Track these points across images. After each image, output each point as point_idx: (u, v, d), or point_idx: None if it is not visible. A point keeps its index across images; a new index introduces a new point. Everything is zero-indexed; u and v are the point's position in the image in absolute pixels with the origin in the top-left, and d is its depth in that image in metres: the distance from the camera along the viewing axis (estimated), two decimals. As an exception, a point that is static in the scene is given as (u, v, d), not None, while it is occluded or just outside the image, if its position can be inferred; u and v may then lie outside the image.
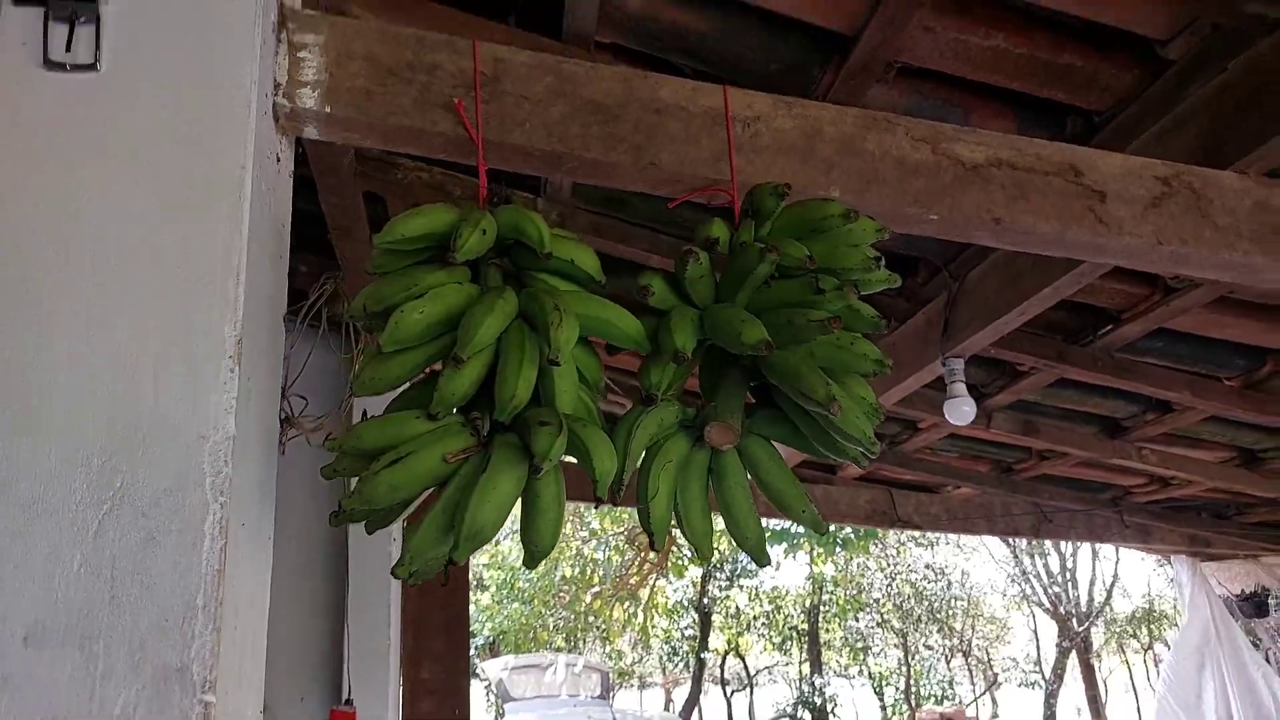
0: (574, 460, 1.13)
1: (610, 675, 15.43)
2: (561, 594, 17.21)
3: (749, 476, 1.24)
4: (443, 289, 1.13)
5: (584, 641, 17.93)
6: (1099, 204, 1.63)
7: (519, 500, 1.08)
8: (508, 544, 18.34)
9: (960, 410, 2.79)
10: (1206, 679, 5.38)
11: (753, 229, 1.35)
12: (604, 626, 17.90)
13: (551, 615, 17.60)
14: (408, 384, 1.21)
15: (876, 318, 1.24)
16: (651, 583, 17.06)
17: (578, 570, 16.98)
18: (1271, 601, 5.21)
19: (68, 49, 1.17)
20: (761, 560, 1.24)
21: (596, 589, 16.90)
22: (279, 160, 1.36)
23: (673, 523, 1.23)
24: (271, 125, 1.31)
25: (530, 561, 1.07)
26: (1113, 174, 1.66)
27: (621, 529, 16.35)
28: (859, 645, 18.84)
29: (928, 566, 18.46)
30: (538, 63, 1.47)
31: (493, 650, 18.03)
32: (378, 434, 1.07)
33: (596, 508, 1.08)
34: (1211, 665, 5.31)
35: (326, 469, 1.12)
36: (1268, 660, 5.06)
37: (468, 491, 1.02)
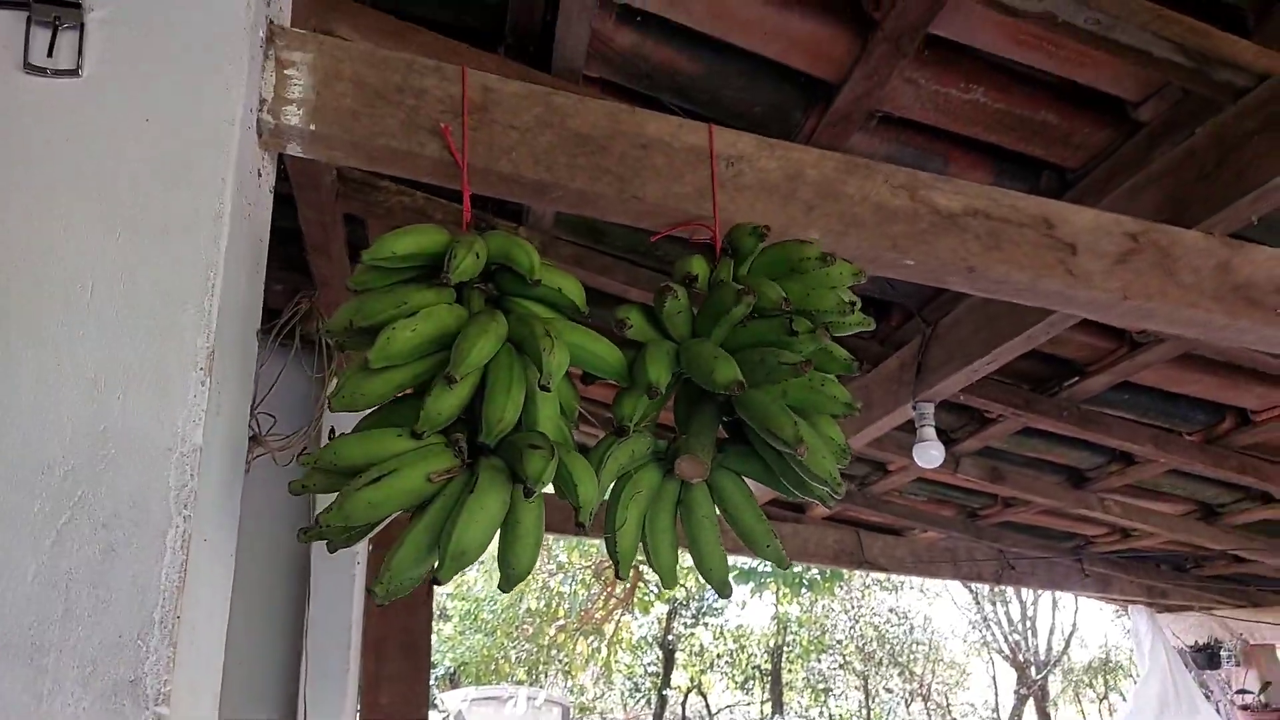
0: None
1: (571, 710, 15.19)
2: (525, 626, 16.98)
3: (717, 510, 1.24)
4: (435, 309, 1.13)
5: (546, 675, 17.66)
6: (1069, 256, 1.67)
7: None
8: (474, 574, 18.09)
9: (929, 454, 2.81)
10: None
11: (731, 267, 1.37)
12: (567, 660, 17.66)
13: (514, 648, 17.34)
14: (376, 406, 1.20)
15: (849, 360, 1.25)
16: (617, 618, 16.89)
17: (543, 603, 16.78)
18: (1224, 653, 5.26)
19: (49, 54, 1.16)
20: (724, 592, 1.24)
21: (561, 622, 16.69)
22: (260, 175, 1.35)
23: (640, 556, 1.23)
24: (255, 141, 1.31)
25: (506, 584, 1.07)
26: (1084, 228, 1.70)
27: (589, 563, 16.21)
28: (820, 686, 18.74)
29: (891, 610, 18.46)
30: (527, 93, 1.48)
31: (453, 682, 17.70)
32: (358, 450, 1.06)
33: (579, 531, 1.07)
34: (1169, 717, 5.34)
35: (295, 484, 1.11)
36: (1218, 712, 5.10)
37: (454, 512, 1.01)
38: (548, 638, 16.96)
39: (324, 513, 1.02)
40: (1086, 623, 18.76)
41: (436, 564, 1.02)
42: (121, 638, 0.93)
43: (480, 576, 18.12)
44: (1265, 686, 5.21)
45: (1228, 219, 1.79)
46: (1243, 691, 5.19)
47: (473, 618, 17.25)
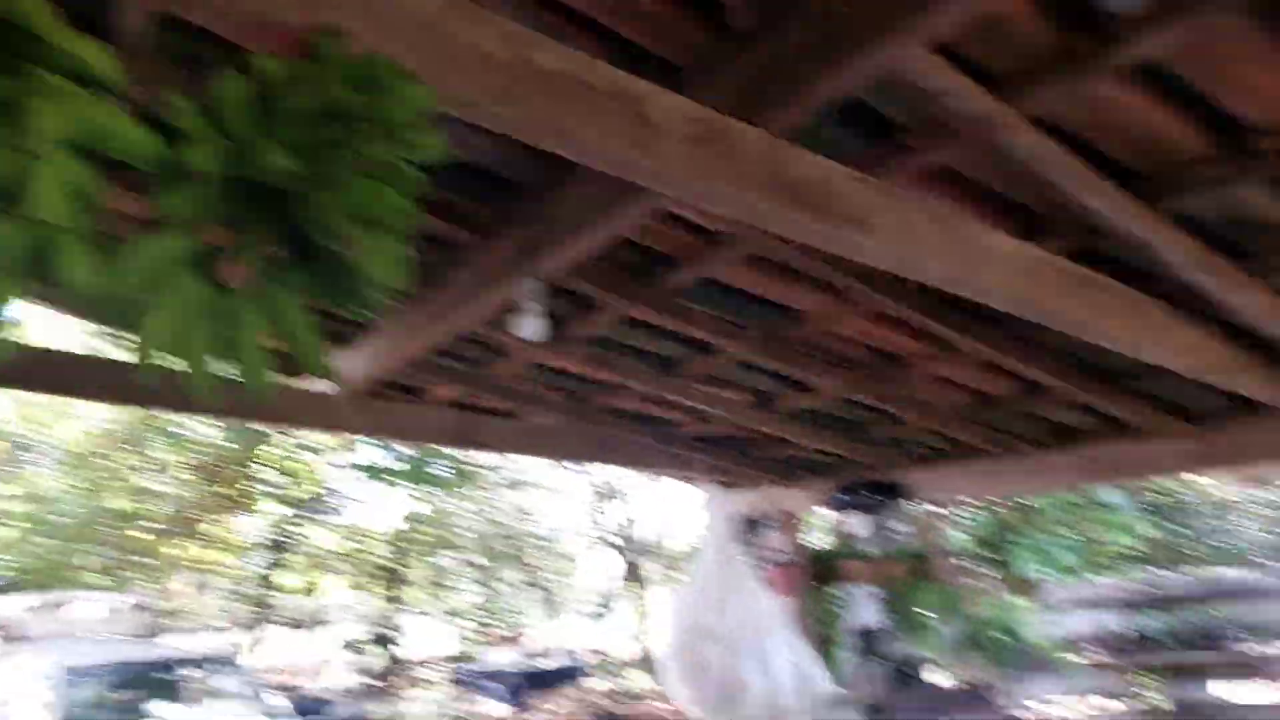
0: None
1: (156, 615, 13.98)
2: (109, 529, 15.12)
3: (267, 321, 1.18)
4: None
5: (133, 581, 15.97)
6: (647, 132, 1.82)
7: None
8: (47, 470, 15.67)
9: (531, 325, 2.95)
10: (721, 596, 6.36)
11: (305, 71, 1.28)
12: (161, 566, 16.13)
13: (94, 552, 15.40)
14: None
15: (417, 178, 1.24)
16: (221, 519, 15.75)
17: (135, 504, 15.06)
18: (764, 522, 6.38)
19: None
20: (261, 400, 1.20)
21: (162, 526, 15.17)
22: None
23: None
24: None
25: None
26: (664, 108, 1.85)
27: (193, 461, 14.83)
28: (441, 582, 19.31)
29: (518, 509, 19.47)
30: None
31: (16, 590, 15.31)
32: None
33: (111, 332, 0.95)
34: (722, 583, 6.29)
35: None
36: (757, 569, 6.15)
37: None
38: (137, 542, 15.32)
39: None
40: (681, 517, 21.48)
41: None
42: None
43: (49, 477, 15.75)
44: (794, 548, 6.44)
45: (778, 120, 2.06)
46: (776, 550, 6.34)
47: (41, 521, 14.96)
